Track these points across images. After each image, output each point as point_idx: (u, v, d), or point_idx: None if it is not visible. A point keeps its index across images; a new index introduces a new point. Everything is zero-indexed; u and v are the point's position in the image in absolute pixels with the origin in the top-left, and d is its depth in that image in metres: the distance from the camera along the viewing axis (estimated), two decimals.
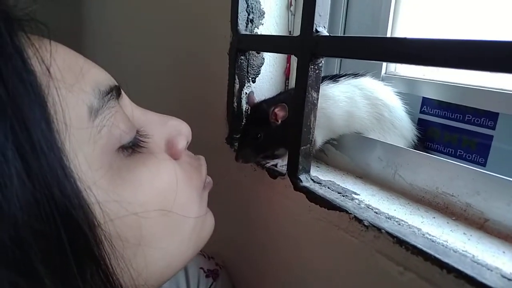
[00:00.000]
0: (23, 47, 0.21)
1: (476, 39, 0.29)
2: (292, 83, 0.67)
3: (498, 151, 0.47)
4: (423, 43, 0.35)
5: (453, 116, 0.51)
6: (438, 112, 0.53)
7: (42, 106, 0.21)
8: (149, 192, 0.29)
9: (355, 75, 0.55)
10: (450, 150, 0.52)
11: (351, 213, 0.43)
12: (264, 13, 0.61)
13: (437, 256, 0.34)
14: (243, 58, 0.62)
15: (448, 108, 0.51)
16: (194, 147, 0.75)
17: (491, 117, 0.47)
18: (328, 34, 0.45)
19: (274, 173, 0.55)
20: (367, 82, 0.54)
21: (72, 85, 0.24)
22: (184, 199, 0.34)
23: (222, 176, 0.69)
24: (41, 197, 0.20)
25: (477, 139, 0.49)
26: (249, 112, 0.57)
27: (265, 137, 0.54)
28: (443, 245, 0.37)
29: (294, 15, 0.64)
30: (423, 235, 0.39)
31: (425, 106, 0.54)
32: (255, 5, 0.60)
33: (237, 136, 0.65)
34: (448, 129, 0.52)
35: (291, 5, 0.63)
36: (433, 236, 0.38)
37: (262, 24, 0.62)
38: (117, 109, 0.28)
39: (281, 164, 0.56)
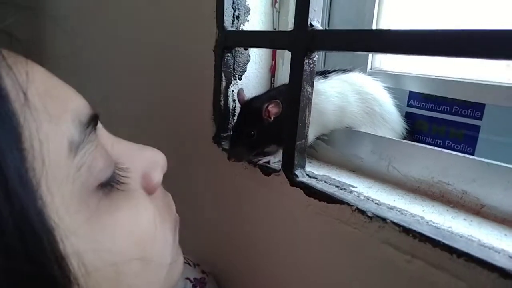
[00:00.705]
0: None
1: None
2: (278, 80, 0.67)
3: (485, 140, 0.49)
4: (423, 34, 0.35)
5: (440, 109, 0.53)
6: (425, 105, 0.54)
7: (17, 140, 0.18)
8: (129, 238, 0.26)
9: (344, 70, 0.55)
10: (438, 141, 0.53)
11: (353, 205, 0.43)
12: (249, 10, 0.61)
13: (445, 242, 0.35)
14: (229, 55, 0.61)
15: (435, 101, 0.53)
16: (180, 148, 0.73)
17: (478, 108, 0.49)
18: (323, 28, 0.45)
19: (267, 170, 0.54)
20: (357, 77, 0.55)
21: (51, 115, 0.21)
22: (161, 243, 0.30)
23: (210, 176, 0.67)
24: (12, 252, 0.17)
25: (465, 129, 0.51)
26: (240, 110, 0.56)
27: (258, 134, 0.53)
28: (448, 231, 0.37)
29: (279, 12, 0.64)
30: (427, 222, 0.39)
31: (412, 100, 0.56)
32: (240, 2, 0.59)
33: (224, 135, 0.64)
34: (436, 121, 0.53)
35: (276, 2, 0.63)
36: (436, 223, 0.39)
37: (248, 21, 0.61)
38: (97, 142, 0.25)
39: (274, 160, 0.55)
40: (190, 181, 0.73)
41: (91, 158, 0.23)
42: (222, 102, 0.62)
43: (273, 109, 0.52)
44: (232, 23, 0.59)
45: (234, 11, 0.59)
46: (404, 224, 0.38)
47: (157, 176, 0.31)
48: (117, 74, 0.89)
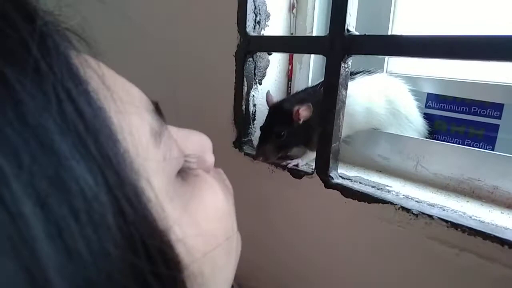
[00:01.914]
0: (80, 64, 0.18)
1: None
2: (295, 84, 0.68)
3: (504, 139, 0.52)
4: (457, 40, 0.38)
5: (459, 109, 0.56)
6: (444, 106, 0.57)
7: (115, 135, 0.18)
8: (217, 217, 0.27)
9: (369, 71, 0.57)
10: (458, 140, 0.56)
11: (396, 204, 0.44)
12: (269, 15, 0.62)
13: (496, 234, 0.37)
14: (250, 60, 0.61)
15: (454, 102, 0.56)
16: None
17: (497, 108, 0.52)
18: (359, 34, 0.46)
19: (299, 173, 0.55)
20: (382, 78, 0.57)
21: (132, 106, 0.22)
22: (234, 218, 0.31)
23: (232, 182, 0.67)
24: (134, 248, 0.17)
25: (484, 129, 0.54)
26: (269, 111, 0.57)
27: (288, 135, 0.54)
28: (493, 225, 0.40)
29: (296, 17, 0.65)
30: (470, 217, 0.41)
31: (430, 101, 0.59)
32: (261, 7, 0.60)
33: (245, 140, 0.65)
34: (455, 122, 0.56)
35: (293, 7, 0.64)
36: (479, 217, 0.41)
37: (268, 26, 0.62)
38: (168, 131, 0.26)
39: (302, 163, 0.56)
40: None
41: (170, 147, 0.24)
42: (244, 106, 0.62)
43: (303, 112, 0.53)
44: (254, 29, 0.60)
45: (256, 16, 0.60)
46: (451, 219, 0.40)
47: (211, 158, 0.32)
48: (134, 75, 0.86)
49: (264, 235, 0.63)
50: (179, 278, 0.20)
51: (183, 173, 0.26)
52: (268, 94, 0.58)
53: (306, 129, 0.54)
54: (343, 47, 0.47)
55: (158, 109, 0.25)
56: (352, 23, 0.47)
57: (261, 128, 0.56)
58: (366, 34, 0.45)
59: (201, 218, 0.25)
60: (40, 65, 0.16)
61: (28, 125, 0.15)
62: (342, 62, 0.47)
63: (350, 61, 0.48)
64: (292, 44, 0.55)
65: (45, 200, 0.14)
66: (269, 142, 0.55)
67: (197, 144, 0.31)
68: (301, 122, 0.54)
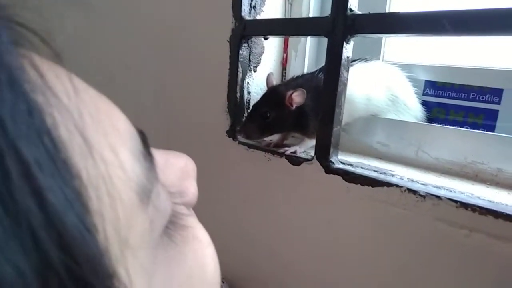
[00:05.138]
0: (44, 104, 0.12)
1: None
2: (290, 73, 0.67)
3: (504, 124, 0.52)
4: (463, 14, 0.37)
5: (457, 96, 0.55)
6: (442, 93, 0.57)
7: (77, 194, 0.12)
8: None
9: (366, 59, 0.56)
10: (457, 127, 0.56)
11: (402, 186, 0.43)
12: (265, 0, 0.60)
13: (508, 212, 0.36)
14: (245, 45, 0.59)
15: (452, 88, 0.56)
16: (192, 143, 0.69)
17: (496, 93, 0.52)
18: (361, 13, 0.45)
19: (297, 160, 0.53)
20: (379, 65, 0.56)
21: (116, 158, 0.15)
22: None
23: (226, 171, 0.65)
24: None
25: (483, 114, 0.53)
26: (265, 92, 0.56)
27: (274, 118, 0.53)
28: (503, 204, 0.39)
29: (291, 4, 0.64)
30: (479, 197, 0.40)
31: (427, 89, 0.58)
32: None
33: (240, 128, 0.62)
34: (453, 108, 0.56)
35: None
36: (487, 197, 0.40)
37: (263, 12, 0.60)
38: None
39: (300, 151, 0.55)
40: (203, 178, 0.69)
41: (159, 199, 0.18)
42: (238, 94, 0.60)
43: (297, 97, 0.51)
44: (249, 13, 0.58)
45: (251, 0, 0.58)
46: (461, 199, 0.39)
47: (194, 187, 0.25)
48: (124, 59, 0.82)
49: (261, 225, 0.61)
50: None
51: (171, 225, 0.20)
52: (270, 75, 0.56)
53: (300, 116, 0.53)
54: (345, 27, 0.45)
55: (145, 143, 0.18)
56: (354, 4, 0.46)
57: (253, 106, 0.55)
58: (370, 12, 0.44)
59: None
60: None
61: None
62: (344, 43, 0.46)
63: (352, 42, 0.47)
64: (291, 27, 0.53)
65: None
66: (254, 122, 0.54)
67: (178, 170, 0.25)
68: (293, 107, 0.53)
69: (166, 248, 0.19)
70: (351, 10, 0.45)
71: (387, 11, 0.58)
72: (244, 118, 0.59)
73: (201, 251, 0.22)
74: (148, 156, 0.17)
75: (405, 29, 0.43)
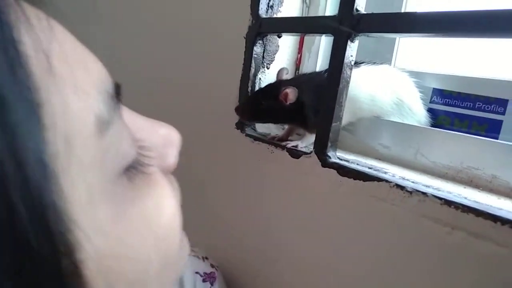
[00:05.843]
0: (15, 22, 0.14)
1: None
2: (302, 72, 0.69)
3: (508, 134, 0.52)
4: (471, 16, 0.38)
5: (463, 104, 0.56)
6: (448, 101, 0.57)
7: (38, 118, 0.15)
8: (156, 233, 0.23)
9: (374, 63, 0.58)
10: None
11: (391, 182, 0.44)
12: (283, 1, 0.63)
13: (489, 211, 0.37)
14: (260, 42, 0.62)
15: (458, 97, 0.56)
16: (201, 134, 0.73)
17: (501, 104, 0.52)
18: (366, 13, 0.47)
19: (297, 153, 0.55)
20: (387, 69, 0.57)
21: (77, 86, 0.17)
22: (178, 235, 0.26)
23: (232, 161, 0.67)
24: (24, 254, 0.14)
25: (487, 124, 0.53)
26: (270, 83, 0.59)
27: (266, 109, 0.56)
28: (487, 205, 0.39)
29: (308, 7, 0.66)
30: (465, 198, 0.41)
31: (435, 96, 0.59)
32: None
33: (247, 124, 0.65)
34: (459, 117, 0.56)
35: None
36: (474, 199, 0.41)
37: (280, 12, 0.63)
38: (122, 118, 0.21)
39: (301, 145, 0.56)
40: (209, 166, 0.72)
41: (119, 138, 0.20)
42: (250, 88, 0.63)
43: (287, 94, 0.53)
44: (266, 12, 0.61)
45: (269, 0, 0.61)
46: (445, 197, 0.40)
47: (175, 156, 0.28)
48: (140, 48, 0.88)
49: (261, 214, 0.63)
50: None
51: (133, 169, 0.22)
52: (282, 69, 0.59)
53: (302, 111, 0.55)
54: (350, 25, 0.47)
55: (118, 94, 0.21)
56: (361, 4, 0.48)
57: (256, 90, 0.59)
58: (373, 12, 0.46)
59: (134, 232, 0.21)
60: None
61: None
62: (349, 41, 0.48)
63: (357, 41, 0.49)
64: (302, 25, 0.56)
65: None
66: (250, 105, 0.58)
67: (163, 138, 0.27)
68: (286, 103, 0.54)
69: (125, 188, 0.21)
70: (357, 10, 0.47)
71: (402, 10, 0.60)
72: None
73: (161, 198, 0.23)
74: (115, 100, 0.20)
75: (409, 29, 0.44)
